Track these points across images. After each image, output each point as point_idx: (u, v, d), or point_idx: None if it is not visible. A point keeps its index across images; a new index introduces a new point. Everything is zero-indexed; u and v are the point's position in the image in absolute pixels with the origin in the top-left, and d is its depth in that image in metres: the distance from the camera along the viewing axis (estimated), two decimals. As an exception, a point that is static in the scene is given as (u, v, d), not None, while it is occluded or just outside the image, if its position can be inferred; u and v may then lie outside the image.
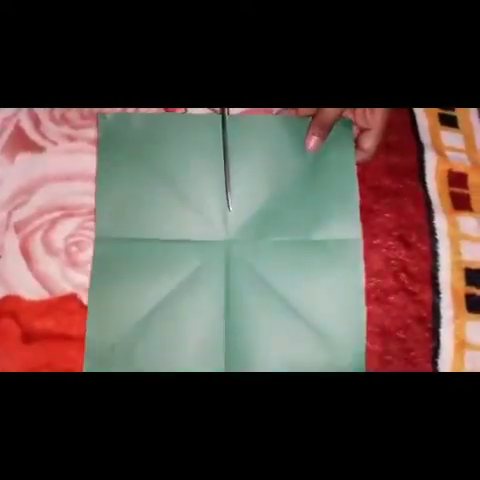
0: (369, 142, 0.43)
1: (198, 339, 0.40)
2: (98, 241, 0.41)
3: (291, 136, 0.43)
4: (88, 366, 0.39)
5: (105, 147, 0.43)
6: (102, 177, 0.42)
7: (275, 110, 0.47)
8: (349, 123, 0.44)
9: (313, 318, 0.40)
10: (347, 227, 0.42)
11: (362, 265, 0.41)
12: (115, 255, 0.41)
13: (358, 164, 0.43)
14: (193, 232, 0.42)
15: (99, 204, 0.42)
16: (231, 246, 0.42)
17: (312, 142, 0.42)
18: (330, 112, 0.41)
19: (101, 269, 0.40)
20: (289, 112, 0.45)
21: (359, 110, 0.43)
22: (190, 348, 0.40)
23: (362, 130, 0.44)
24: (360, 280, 0.41)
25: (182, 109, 0.46)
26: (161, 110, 0.46)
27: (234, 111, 0.45)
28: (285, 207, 0.42)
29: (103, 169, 0.43)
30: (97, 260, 0.41)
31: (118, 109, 0.45)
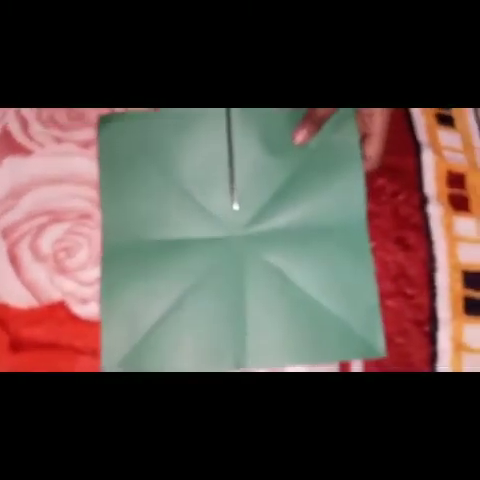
0: (371, 148, 0.42)
1: (215, 336, 0.39)
2: (106, 244, 0.40)
3: (295, 127, 0.42)
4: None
5: (105, 150, 0.42)
6: (105, 180, 0.42)
7: None
8: (351, 111, 0.43)
9: (327, 304, 0.40)
10: (353, 215, 0.42)
11: (369, 252, 0.41)
12: (124, 259, 0.40)
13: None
14: (201, 230, 0.41)
15: (104, 208, 0.41)
16: (241, 241, 0.41)
17: (300, 136, 0.42)
18: (324, 108, 0.40)
19: (110, 275, 0.40)
20: None
21: (358, 115, 0.43)
22: (208, 345, 0.39)
23: (363, 136, 0.43)
24: (369, 267, 0.41)
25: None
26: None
27: None
28: (291, 198, 0.42)
29: (105, 172, 0.42)
30: (106, 265, 0.40)
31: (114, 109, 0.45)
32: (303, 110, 0.42)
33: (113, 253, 0.40)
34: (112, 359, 0.38)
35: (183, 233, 0.41)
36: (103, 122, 0.43)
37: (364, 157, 0.42)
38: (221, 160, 0.42)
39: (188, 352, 0.39)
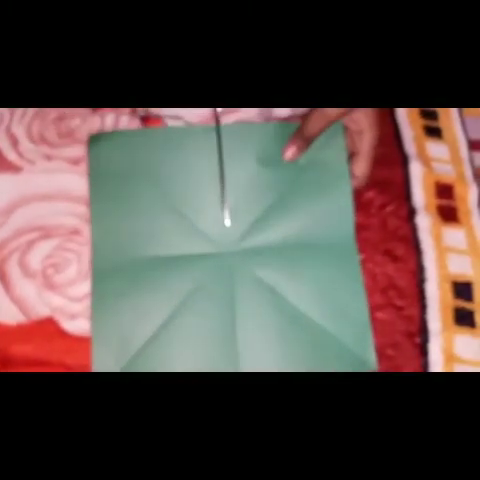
0: (359, 167, 0.42)
1: (208, 353, 0.39)
2: (96, 262, 0.40)
3: (285, 142, 0.42)
4: None
5: (96, 168, 0.42)
6: (95, 198, 0.41)
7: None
8: (339, 126, 0.43)
9: (319, 320, 0.40)
10: (342, 231, 0.42)
11: (358, 267, 0.41)
12: (114, 277, 0.40)
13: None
14: (193, 246, 0.41)
15: (94, 226, 0.41)
16: (233, 257, 0.41)
17: (290, 152, 0.42)
18: (314, 126, 0.41)
19: (101, 293, 0.39)
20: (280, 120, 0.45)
21: (347, 133, 0.43)
22: (200, 363, 0.39)
23: (351, 154, 0.43)
24: (359, 282, 0.41)
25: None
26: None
27: (229, 119, 0.45)
28: (282, 214, 0.42)
29: (95, 190, 0.42)
30: (96, 283, 0.40)
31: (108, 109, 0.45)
32: (293, 126, 0.42)
33: (103, 271, 0.40)
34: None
35: (174, 250, 0.41)
36: (93, 141, 0.43)
37: (351, 175, 0.43)
38: (211, 176, 0.42)
39: (183, 367, 0.39)
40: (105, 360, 0.38)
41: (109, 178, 0.42)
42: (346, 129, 0.43)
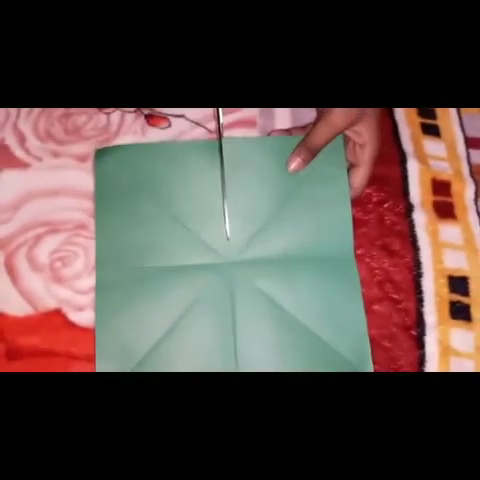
0: (357, 179, 0.43)
1: (208, 362, 0.39)
2: (99, 274, 0.41)
3: (286, 155, 0.43)
4: None
5: (102, 183, 0.43)
6: (100, 212, 0.42)
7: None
8: (340, 139, 0.43)
9: (319, 332, 0.41)
10: (341, 244, 0.42)
11: (358, 280, 0.42)
12: (117, 287, 0.40)
13: None
14: (194, 257, 0.42)
15: (99, 238, 0.41)
16: (233, 267, 0.42)
17: (295, 164, 0.42)
18: (319, 138, 0.41)
19: (105, 303, 0.40)
20: (281, 132, 0.46)
21: (349, 145, 0.43)
22: (202, 366, 0.39)
23: (351, 166, 0.44)
24: (357, 295, 0.42)
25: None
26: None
27: (229, 118, 0.46)
28: (282, 227, 0.43)
29: (101, 202, 0.42)
30: (100, 295, 0.40)
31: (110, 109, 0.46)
32: (294, 139, 0.43)
33: (107, 282, 0.40)
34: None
35: (176, 261, 0.41)
36: (99, 156, 0.43)
37: (349, 186, 0.43)
38: (214, 190, 0.43)
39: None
40: (106, 370, 0.38)
41: (114, 192, 0.42)
42: (348, 141, 0.43)
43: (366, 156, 0.42)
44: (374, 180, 0.47)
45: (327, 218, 0.43)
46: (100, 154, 0.43)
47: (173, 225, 0.42)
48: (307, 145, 0.42)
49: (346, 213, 0.43)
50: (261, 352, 0.40)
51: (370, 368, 0.40)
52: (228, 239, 0.42)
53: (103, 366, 0.38)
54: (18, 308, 0.41)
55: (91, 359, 0.39)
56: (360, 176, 0.43)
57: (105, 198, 0.42)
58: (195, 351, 0.40)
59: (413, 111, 0.52)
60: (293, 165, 0.42)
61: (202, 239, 0.42)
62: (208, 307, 0.40)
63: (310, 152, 0.42)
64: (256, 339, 0.40)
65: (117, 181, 0.42)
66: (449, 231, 0.46)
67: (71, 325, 0.41)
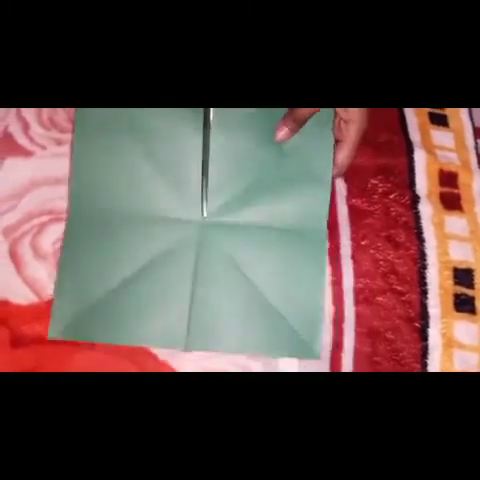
0: (340, 155, 0.42)
1: (160, 316, 0.40)
2: (74, 209, 0.42)
3: (273, 124, 0.43)
4: (51, 333, 0.40)
5: (82, 122, 0.42)
6: (78, 150, 0.42)
7: None
8: (330, 114, 0.43)
9: (275, 302, 0.41)
10: (315, 219, 0.42)
11: (325, 257, 0.42)
12: (88, 226, 0.41)
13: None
14: (169, 210, 0.42)
15: (76, 175, 0.42)
16: (204, 227, 0.42)
17: (282, 133, 0.42)
18: (306, 108, 0.40)
19: (72, 239, 0.41)
20: None
21: (336, 119, 0.42)
22: (156, 317, 0.40)
23: (336, 142, 0.43)
24: (321, 270, 0.42)
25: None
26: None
27: None
28: (259, 195, 0.43)
29: (80, 142, 0.42)
30: (69, 230, 0.41)
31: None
32: (284, 110, 0.42)
33: (79, 219, 0.41)
34: (59, 324, 0.40)
35: (151, 209, 0.42)
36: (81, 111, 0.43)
37: (333, 162, 0.42)
38: (196, 145, 0.42)
39: (137, 326, 0.40)
40: (63, 304, 0.40)
41: (94, 131, 0.42)
42: (335, 116, 0.43)
43: (351, 134, 0.41)
44: (380, 170, 0.46)
45: (305, 192, 0.43)
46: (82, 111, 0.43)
47: (152, 173, 0.42)
48: (294, 115, 0.41)
49: (325, 190, 0.42)
50: (214, 315, 0.41)
51: (317, 346, 0.41)
52: (203, 216, 0.42)
53: (60, 300, 0.40)
54: (22, 296, 0.41)
55: (93, 347, 0.39)
56: (343, 153, 0.42)
57: (84, 137, 0.42)
58: (151, 302, 0.40)
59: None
60: (280, 134, 0.42)
61: (179, 193, 0.42)
62: (171, 262, 0.41)
63: (296, 122, 0.41)
64: (212, 302, 0.41)
65: (97, 121, 0.42)
66: (455, 223, 0.46)
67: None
